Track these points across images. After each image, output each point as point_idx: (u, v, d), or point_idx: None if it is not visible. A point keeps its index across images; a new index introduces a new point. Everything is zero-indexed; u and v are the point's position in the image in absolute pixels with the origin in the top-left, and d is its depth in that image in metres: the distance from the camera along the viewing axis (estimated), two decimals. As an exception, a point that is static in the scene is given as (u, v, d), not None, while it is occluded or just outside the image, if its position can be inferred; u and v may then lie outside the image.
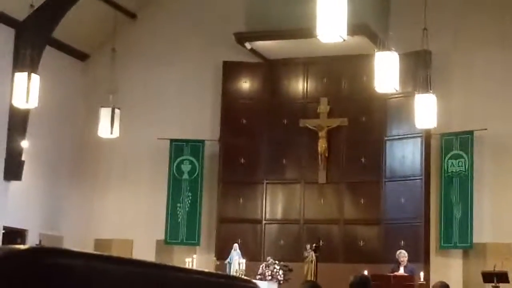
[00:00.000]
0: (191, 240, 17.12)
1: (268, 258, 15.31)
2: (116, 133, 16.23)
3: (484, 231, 15.78)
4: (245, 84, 17.66)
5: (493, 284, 14.09)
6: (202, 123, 17.59)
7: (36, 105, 14.55)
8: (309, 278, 13.61)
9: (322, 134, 16.71)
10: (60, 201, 17.74)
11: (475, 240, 15.67)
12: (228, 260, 15.10)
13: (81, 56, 18.48)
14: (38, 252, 1.10)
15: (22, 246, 1.11)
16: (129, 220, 17.50)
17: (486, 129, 15.72)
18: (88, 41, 18.27)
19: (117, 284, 1.19)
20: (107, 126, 16.07)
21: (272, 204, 17.19)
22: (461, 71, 16.41)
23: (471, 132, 15.96)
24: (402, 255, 14.81)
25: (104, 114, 16.14)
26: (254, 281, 1.67)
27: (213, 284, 1.44)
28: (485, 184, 15.95)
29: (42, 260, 1.09)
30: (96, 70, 18.21)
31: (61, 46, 17.58)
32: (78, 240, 16.87)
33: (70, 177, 18.08)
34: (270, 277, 14.75)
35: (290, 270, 14.85)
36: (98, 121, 16.25)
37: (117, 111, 16.17)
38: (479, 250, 15.67)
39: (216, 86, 17.63)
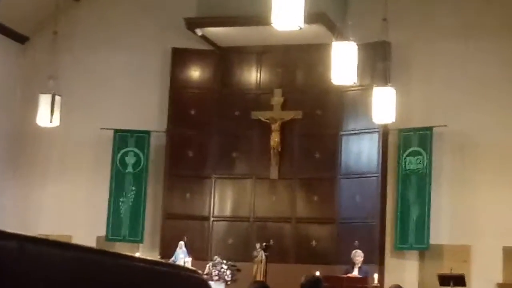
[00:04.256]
0: (134, 237, 16.96)
1: (215, 257, 15.16)
2: (56, 122, 15.74)
3: (441, 232, 15.80)
4: (195, 73, 17.47)
5: None
6: (149, 113, 17.35)
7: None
8: (258, 279, 13.55)
9: (275, 127, 16.62)
10: (-6, 193, 17.75)
11: (432, 241, 15.65)
12: (173, 258, 14.95)
13: (20, 38, 18.10)
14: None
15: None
16: (68, 215, 17.22)
17: (446, 125, 15.73)
18: (28, 23, 17.90)
19: (53, 268, 1.16)
20: (46, 114, 15.54)
21: (221, 200, 17.09)
22: (422, 64, 16.37)
23: (430, 128, 15.93)
24: (358, 255, 14.75)
25: (44, 101, 15.58)
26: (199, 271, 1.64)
27: (157, 272, 1.42)
28: (444, 182, 15.96)
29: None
30: (36, 54, 17.82)
31: (-1, 28, 17.64)
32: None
33: (6, 168, 17.72)
34: (217, 277, 14.59)
35: (238, 270, 14.74)
36: (37, 108, 15.72)
37: (57, 98, 15.64)
38: (436, 252, 15.69)
39: (164, 74, 17.40)
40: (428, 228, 15.75)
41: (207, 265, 14.90)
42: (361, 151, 16.40)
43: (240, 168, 17.13)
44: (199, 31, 16.32)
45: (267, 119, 16.82)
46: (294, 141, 16.85)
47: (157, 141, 17.35)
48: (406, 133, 16.26)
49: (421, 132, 16.14)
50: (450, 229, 15.88)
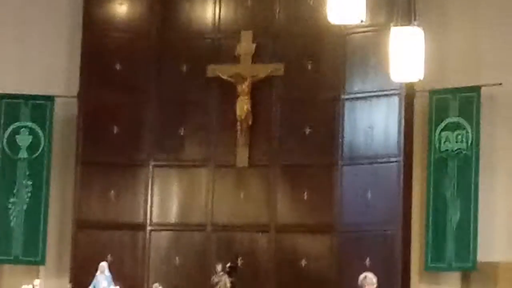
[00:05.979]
0: (32, 256, 17.24)
1: (156, 284, 15.36)
2: None
3: (494, 244, 15.92)
4: (121, 8, 16.84)
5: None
6: (52, 70, 16.74)
7: None
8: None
9: (243, 88, 16.29)
10: None
11: (481, 257, 15.63)
12: (91, 287, 15.25)
13: None
14: None
15: None
16: None
17: (500, 83, 15.51)
18: None
19: None
20: None
21: (163, 199, 16.61)
22: (463, -8, 15.03)
23: (477, 88, 15.66)
24: (369, 281, 12.55)
25: None
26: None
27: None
28: (498, 169, 16.17)
29: None
30: None
31: None
32: None
33: None
34: (157, 317, 13.59)
35: (191, 306, 13.63)
36: None
37: None
38: (487, 273, 15.61)
39: (75, 11, 16.72)
40: (476, 238, 16.06)
41: (142, 300, 13.07)
42: (373, 123, 16.42)
43: (191, 152, 16.85)
44: None
45: (231, 76, 16.39)
46: (272, 110, 16.41)
47: (64, 112, 16.88)
48: (441, 97, 16.75)
49: (463, 94, 16.43)
50: (508, 240, 16.12)
